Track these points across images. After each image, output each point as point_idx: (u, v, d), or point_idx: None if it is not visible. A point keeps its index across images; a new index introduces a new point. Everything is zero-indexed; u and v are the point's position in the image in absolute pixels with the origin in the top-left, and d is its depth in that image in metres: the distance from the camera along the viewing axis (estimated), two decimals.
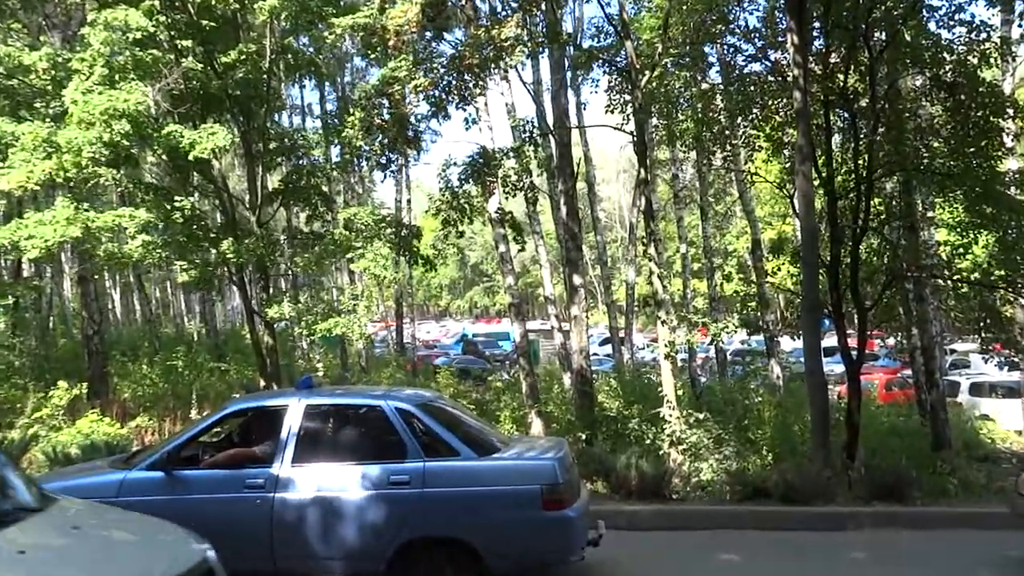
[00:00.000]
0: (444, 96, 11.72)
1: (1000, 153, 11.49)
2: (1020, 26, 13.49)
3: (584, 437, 11.44)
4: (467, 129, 12.41)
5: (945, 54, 11.06)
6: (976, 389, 21.10)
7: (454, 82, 11.64)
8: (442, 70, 11.60)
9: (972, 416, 17.85)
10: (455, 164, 12.43)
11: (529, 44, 12.04)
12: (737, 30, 12.62)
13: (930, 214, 13.90)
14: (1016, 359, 13.88)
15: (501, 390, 16.22)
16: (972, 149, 11.07)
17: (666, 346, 11.10)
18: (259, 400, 7.81)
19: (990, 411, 19.39)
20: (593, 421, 12.00)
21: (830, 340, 14.87)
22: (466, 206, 12.49)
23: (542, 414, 12.54)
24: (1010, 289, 11.96)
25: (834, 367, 15.90)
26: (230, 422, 7.25)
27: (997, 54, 11.33)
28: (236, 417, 7.13)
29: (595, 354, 24.81)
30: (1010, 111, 11.16)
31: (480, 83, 12.11)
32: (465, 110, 12.52)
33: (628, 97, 12.21)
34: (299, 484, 6.14)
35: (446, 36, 12.56)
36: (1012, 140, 12.62)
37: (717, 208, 26.10)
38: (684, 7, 12.39)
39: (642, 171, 12.12)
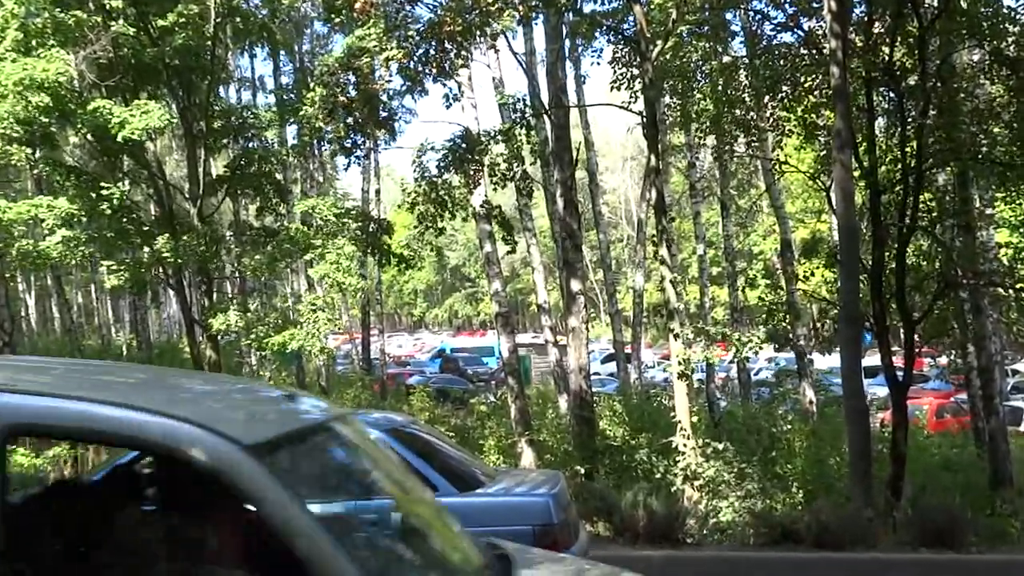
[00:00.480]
0: (420, 68, 11.73)
1: None
2: None
3: (583, 470, 11.44)
4: (448, 107, 12.45)
5: (1007, 24, 11.14)
6: None
7: (432, 52, 11.64)
8: (418, 38, 11.60)
9: None
10: (433, 149, 12.42)
11: (520, 8, 12.06)
12: None
13: (989, 211, 13.97)
14: None
15: (486, 415, 16.21)
16: None
17: (680, 364, 11.11)
18: None
19: None
20: (594, 452, 12.00)
21: (872, 358, 14.93)
22: (446, 199, 12.49)
23: (534, 443, 12.54)
24: None
25: (876, 390, 15.95)
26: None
27: None
28: None
29: (596, 373, 24.86)
30: None
31: (463, 54, 12.12)
32: (445, 85, 12.55)
33: (636, 71, 12.24)
34: None
35: None
36: None
37: (740, 203, 26.23)
38: None
39: (652, 158, 12.15)
